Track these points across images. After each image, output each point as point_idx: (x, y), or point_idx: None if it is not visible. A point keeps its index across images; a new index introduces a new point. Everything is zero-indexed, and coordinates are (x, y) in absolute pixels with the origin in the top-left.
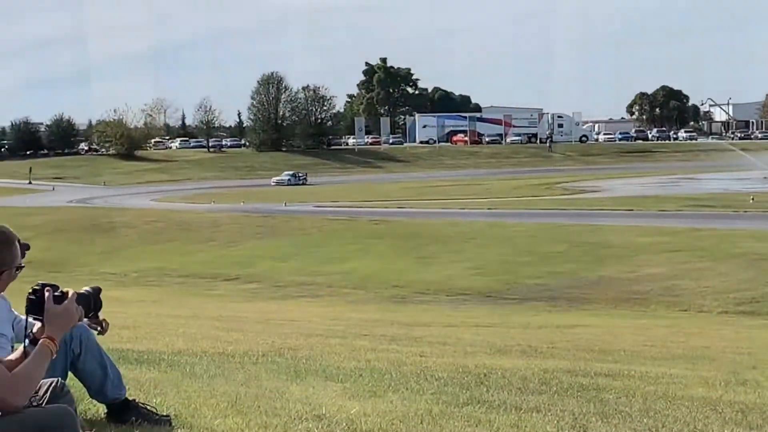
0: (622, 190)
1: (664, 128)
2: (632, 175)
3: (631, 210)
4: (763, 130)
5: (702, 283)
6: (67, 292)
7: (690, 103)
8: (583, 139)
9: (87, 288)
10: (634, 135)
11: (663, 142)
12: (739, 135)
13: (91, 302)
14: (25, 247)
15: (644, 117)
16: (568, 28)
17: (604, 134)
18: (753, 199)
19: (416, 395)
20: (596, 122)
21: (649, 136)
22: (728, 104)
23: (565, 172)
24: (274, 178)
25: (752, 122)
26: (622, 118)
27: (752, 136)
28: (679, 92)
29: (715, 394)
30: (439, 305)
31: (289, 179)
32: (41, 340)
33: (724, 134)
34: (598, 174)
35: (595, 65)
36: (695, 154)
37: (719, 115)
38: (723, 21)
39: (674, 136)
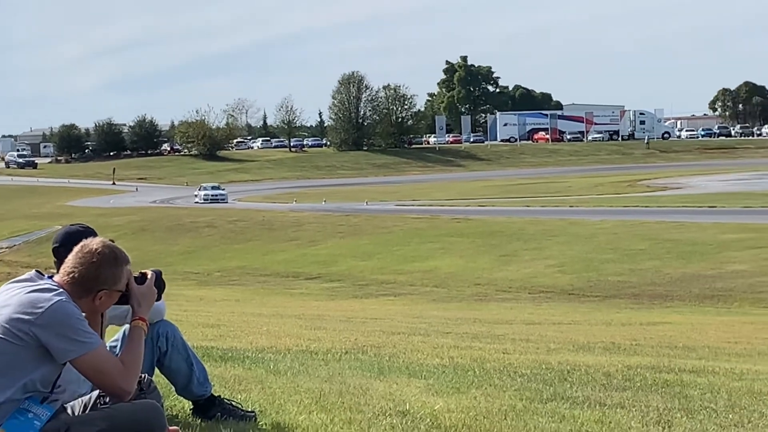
0: (705, 186)
1: (747, 124)
2: (715, 171)
3: (714, 207)
4: None
5: None
6: (147, 273)
7: None
8: (666, 135)
9: (151, 269)
10: (717, 131)
11: (746, 138)
12: None
13: (161, 283)
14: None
15: (727, 113)
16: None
17: (687, 131)
18: None
19: (499, 391)
20: (678, 119)
21: (732, 132)
22: None
23: (647, 169)
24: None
25: None
26: (705, 114)
27: None
28: (763, 87)
29: None
30: (520, 303)
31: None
32: (133, 323)
33: None
34: (680, 171)
35: (678, 61)
36: None
37: None
38: None
39: (758, 132)
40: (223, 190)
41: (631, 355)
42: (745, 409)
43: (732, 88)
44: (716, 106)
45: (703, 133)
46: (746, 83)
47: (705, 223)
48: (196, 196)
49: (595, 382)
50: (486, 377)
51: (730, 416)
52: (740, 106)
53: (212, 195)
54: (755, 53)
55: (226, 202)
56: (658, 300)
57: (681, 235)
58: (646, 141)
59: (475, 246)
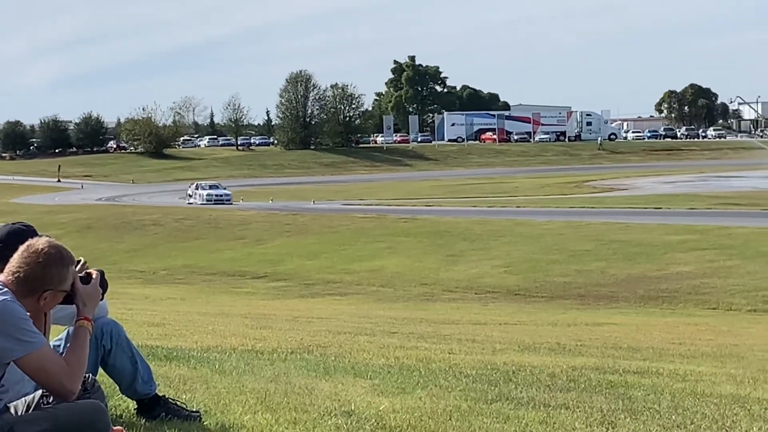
0: (650, 188)
1: (692, 126)
2: (661, 173)
3: (660, 208)
4: None
5: (731, 281)
6: (92, 273)
7: (719, 101)
8: (612, 137)
9: (95, 269)
10: (663, 133)
11: (692, 140)
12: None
13: (105, 283)
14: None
15: (673, 115)
16: (597, 26)
17: (633, 132)
18: None
19: (445, 392)
20: (625, 120)
21: (678, 134)
22: (757, 102)
23: (593, 170)
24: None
25: None
26: (651, 116)
27: None
28: (708, 90)
29: (743, 391)
30: (467, 303)
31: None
32: (77, 323)
33: (753, 132)
34: (626, 172)
35: (625, 63)
36: (724, 152)
37: (748, 113)
38: (752, 19)
39: (703, 134)
40: (226, 189)
41: (576, 356)
42: (688, 410)
43: (678, 90)
44: (662, 108)
45: (649, 134)
46: (692, 85)
47: (650, 224)
48: (190, 196)
49: (540, 383)
50: (431, 378)
51: (673, 417)
52: (686, 108)
53: (215, 195)
54: (701, 55)
55: (231, 204)
56: (603, 301)
57: (627, 237)
58: (599, 142)
59: (422, 246)
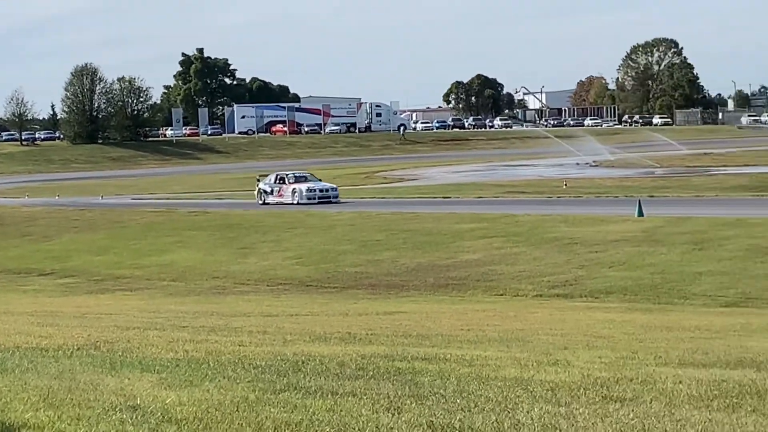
0: (440, 178)
1: (480, 116)
2: (450, 163)
3: (449, 197)
4: (575, 117)
5: (517, 267)
6: None
7: (505, 92)
8: (402, 127)
9: None
10: (451, 123)
11: (479, 130)
12: (552, 122)
13: None
14: None
15: (460, 105)
16: (386, 18)
17: (422, 123)
18: (566, 184)
19: (233, 383)
20: (414, 111)
21: (466, 124)
22: (541, 92)
23: (383, 161)
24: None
25: (565, 109)
26: (439, 106)
27: (565, 123)
28: (494, 81)
29: (527, 374)
30: (259, 295)
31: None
32: None
33: (537, 122)
34: (416, 162)
35: (413, 55)
36: (510, 142)
37: (533, 103)
38: (536, 10)
39: (490, 124)
40: (320, 180)
41: (366, 345)
42: (473, 394)
43: (465, 81)
44: (450, 99)
45: (437, 125)
46: (478, 76)
47: (440, 213)
48: (267, 193)
49: (329, 372)
50: (220, 370)
51: (458, 401)
52: (473, 98)
53: (319, 191)
54: (487, 47)
55: (339, 201)
56: (394, 290)
57: (417, 226)
58: (401, 132)
59: (213, 239)
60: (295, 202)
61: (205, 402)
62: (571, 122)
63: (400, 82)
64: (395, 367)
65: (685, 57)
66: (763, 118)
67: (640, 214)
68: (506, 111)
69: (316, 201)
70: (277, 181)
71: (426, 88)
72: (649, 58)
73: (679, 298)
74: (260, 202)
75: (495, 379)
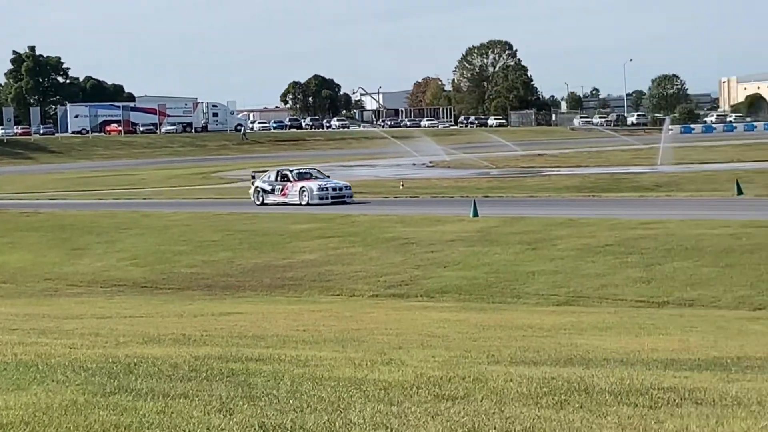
0: None
1: (317, 117)
2: (287, 163)
3: None
4: (412, 118)
5: (353, 267)
6: None
7: (342, 92)
8: (239, 128)
9: None
10: (288, 123)
11: (317, 130)
12: (389, 123)
13: None
14: None
15: (298, 106)
16: (220, 16)
17: (259, 123)
18: (403, 185)
19: (62, 386)
20: (251, 111)
21: (303, 124)
22: (378, 93)
23: (220, 161)
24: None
25: (402, 110)
26: (277, 107)
27: (402, 124)
28: (332, 81)
29: (360, 373)
30: (93, 297)
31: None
32: None
33: (375, 122)
34: (254, 163)
35: (249, 55)
36: (348, 142)
37: (370, 104)
38: (372, 11)
39: (327, 124)
40: (328, 177)
41: (200, 346)
42: (306, 394)
43: (302, 82)
44: (287, 99)
45: (275, 125)
46: (316, 76)
47: (277, 214)
48: (266, 191)
49: (162, 374)
50: (49, 373)
51: (291, 402)
52: (310, 99)
53: (332, 189)
54: (324, 47)
55: (353, 202)
56: (230, 291)
57: (254, 226)
58: (243, 133)
59: (45, 240)
60: (303, 202)
61: (32, 406)
62: (408, 123)
63: (237, 82)
64: (229, 369)
65: (519, 59)
66: (594, 120)
67: (475, 214)
68: (343, 111)
69: (329, 202)
70: (279, 179)
71: (263, 88)
72: (485, 60)
73: (512, 297)
74: (258, 202)
75: (329, 379)
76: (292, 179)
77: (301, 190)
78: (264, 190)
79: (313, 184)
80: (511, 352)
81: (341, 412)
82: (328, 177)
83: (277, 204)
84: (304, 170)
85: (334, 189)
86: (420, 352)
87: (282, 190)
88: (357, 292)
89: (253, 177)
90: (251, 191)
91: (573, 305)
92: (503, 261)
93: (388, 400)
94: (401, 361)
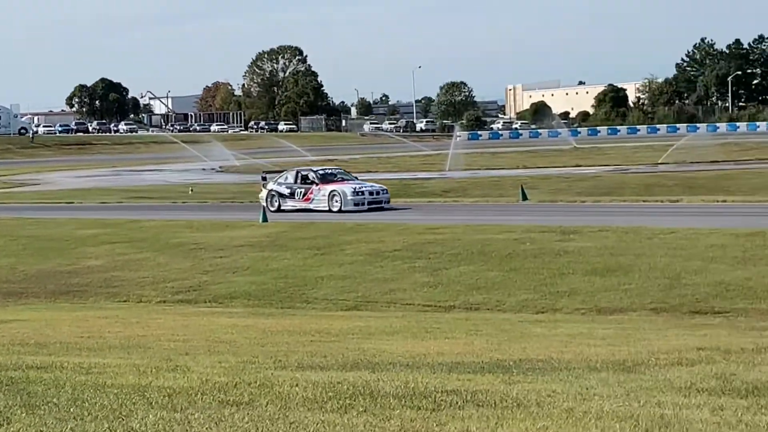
0: (63, 182)
1: (104, 120)
2: (74, 167)
3: (72, 203)
4: (202, 122)
5: (141, 273)
6: None
7: (130, 96)
8: (23, 131)
9: None
10: (75, 127)
11: (104, 134)
12: (178, 127)
13: None
14: None
15: (84, 109)
16: (1, 19)
17: (44, 126)
18: (192, 190)
19: None
20: (36, 114)
21: (90, 128)
22: (167, 97)
23: (3, 165)
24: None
25: (191, 115)
26: (63, 110)
27: (191, 129)
28: (119, 85)
29: (145, 380)
30: None
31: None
32: None
33: (164, 126)
34: (38, 167)
35: (34, 58)
36: (136, 147)
37: (159, 108)
38: (162, 15)
39: (115, 128)
40: (356, 178)
41: None
42: (88, 402)
43: (89, 85)
44: (74, 102)
45: (60, 129)
46: (103, 80)
47: (62, 218)
48: (295, 196)
49: None
50: None
51: (72, 409)
52: (97, 102)
53: (369, 194)
54: (111, 50)
55: (393, 208)
56: (12, 297)
57: (39, 232)
58: (31, 136)
59: None
60: (335, 209)
61: None
62: (198, 127)
63: (20, 84)
64: (8, 377)
65: (309, 65)
66: (384, 126)
67: (265, 219)
68: (131, 115)
69: (366, 209)
70: (300, 181)
71: (49, 91)
72: (275, 65)
73: (301, 302)
74: (271, 208)
75: (112, 386)
76: (316, 181)
77: (332, 195)
78: (281, 194)
79: (346, 188)
80: (298, 357)
81: (123, 419)
82: (356, 177)
83: (297, 210)
84: (328, 170)
85: (371, 194)
86: (207, 359)
87: (304, 194)
88: (144, 298)
89: (264, 178)
90: (262, 195)
91: (361, 310)
92: (292, 266)
93: (171, 406)
94: (187, 367)
